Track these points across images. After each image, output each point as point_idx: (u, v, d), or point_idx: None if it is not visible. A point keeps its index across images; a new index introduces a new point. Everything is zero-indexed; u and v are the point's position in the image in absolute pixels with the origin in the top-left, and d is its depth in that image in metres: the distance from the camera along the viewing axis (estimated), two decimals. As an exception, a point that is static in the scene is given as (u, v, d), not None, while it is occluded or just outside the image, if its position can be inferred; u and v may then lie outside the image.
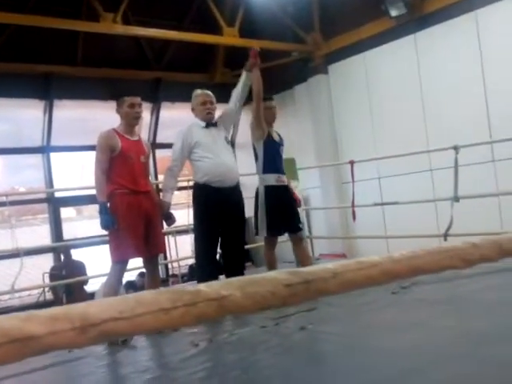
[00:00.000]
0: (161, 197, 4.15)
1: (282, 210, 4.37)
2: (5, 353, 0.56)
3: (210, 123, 4.17)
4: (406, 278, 0.89)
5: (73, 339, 0.59)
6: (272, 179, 4.37)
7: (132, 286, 7.07)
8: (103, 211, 3.57)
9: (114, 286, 3.67)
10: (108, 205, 3.61)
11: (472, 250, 0.97)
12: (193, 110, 4.24)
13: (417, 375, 2.14)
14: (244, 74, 4.25)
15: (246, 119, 4.74)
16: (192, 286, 0.72)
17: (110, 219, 3.56)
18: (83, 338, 0.60)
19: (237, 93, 4.27)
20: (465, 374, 2.07)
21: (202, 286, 0.71)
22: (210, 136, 4.11)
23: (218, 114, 4.31)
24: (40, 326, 0.57)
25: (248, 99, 4.39)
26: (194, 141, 4.07)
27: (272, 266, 4.39)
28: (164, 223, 4.06)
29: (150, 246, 3.76)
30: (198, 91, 4.27)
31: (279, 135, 4.57)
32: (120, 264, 3.66)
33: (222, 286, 0.71)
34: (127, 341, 3.44)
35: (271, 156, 4.39)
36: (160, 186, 6.28)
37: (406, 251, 0.88)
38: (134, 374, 2.86)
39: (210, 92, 4.25)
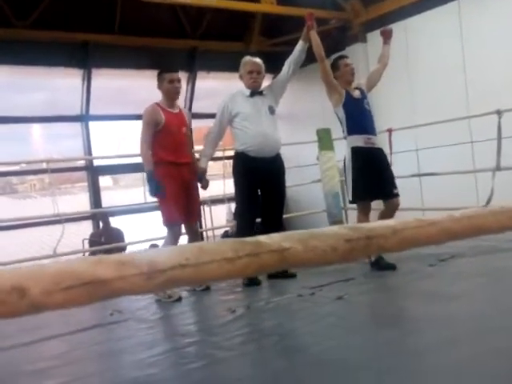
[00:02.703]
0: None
1: (372, 173, 4.03)
2: (77, 295, 0.57)
3: (255, 92, 4.12)
4: (466, 237, 0.87)
5: (140, 284, 0.60)
6: (359, 140, 4.08)
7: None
8: (151, 179, 3.82)
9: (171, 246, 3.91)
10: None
11: (534, 211, 0.94)
12: (240, 77, 4.21)
13: (454, 346, 2.11)
14: (300, 43, 4.15)
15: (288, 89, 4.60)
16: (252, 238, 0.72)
17: (156, 186, 3.81)
18: (150, 283, 0.60)
19: (292, 59, 4.18)
20: (501, 347, 2.04)
21: (263, 238, 0.71)
22: (253, 105, 4.08)
23: (266, 83, 4.27)
24: (109, 270, 0.58)
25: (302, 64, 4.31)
26: (235, 110, 4.07)
27: None
28: (200, 188, 4.22)
29: (189, 213, 4.01)
30: (247, 58, 4.21)
31: (360, 89, 4.26)
32: (170, 227, 3.93)
33: (283, 238, 0.70)
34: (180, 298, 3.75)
35: (355, 116, 4.13)
36: (197, 155, 6.30)
37: (467, 210, 0.85)
38: (174, 338, 2.92)
39: (258, 60, 4.18)
